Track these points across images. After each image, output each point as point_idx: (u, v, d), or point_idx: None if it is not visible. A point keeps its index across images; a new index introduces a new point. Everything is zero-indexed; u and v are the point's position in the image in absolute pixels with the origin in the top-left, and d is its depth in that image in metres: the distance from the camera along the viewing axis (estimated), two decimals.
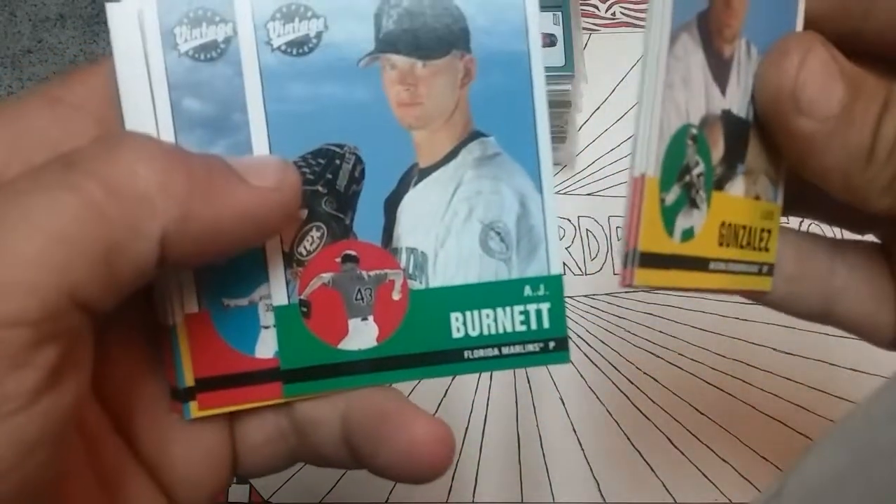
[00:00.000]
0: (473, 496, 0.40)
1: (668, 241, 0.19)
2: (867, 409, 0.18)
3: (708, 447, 0.41)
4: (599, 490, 0.40)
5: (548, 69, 0.44)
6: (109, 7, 0.20)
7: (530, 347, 0.22)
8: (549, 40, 0.45)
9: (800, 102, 0.20)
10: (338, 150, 0.21)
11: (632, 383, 0.42)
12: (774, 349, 0.43)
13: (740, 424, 0.41)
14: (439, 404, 0.40)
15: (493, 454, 0.41)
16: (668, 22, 0.18)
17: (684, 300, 0.45)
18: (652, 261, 0.19)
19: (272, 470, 0.23)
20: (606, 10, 0.53)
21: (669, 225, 0.19)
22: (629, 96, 0.50)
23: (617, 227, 0.47)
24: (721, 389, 0.42)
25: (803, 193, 0.23)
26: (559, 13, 0.46)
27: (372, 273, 0.21)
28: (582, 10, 0.53)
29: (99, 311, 0.17)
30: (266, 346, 0.21)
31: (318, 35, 0.20)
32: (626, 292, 0.45)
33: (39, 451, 0.15)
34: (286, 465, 0.23)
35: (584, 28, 0.52)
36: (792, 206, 0.23)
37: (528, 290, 0.21)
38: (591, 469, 0.40)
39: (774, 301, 0.24)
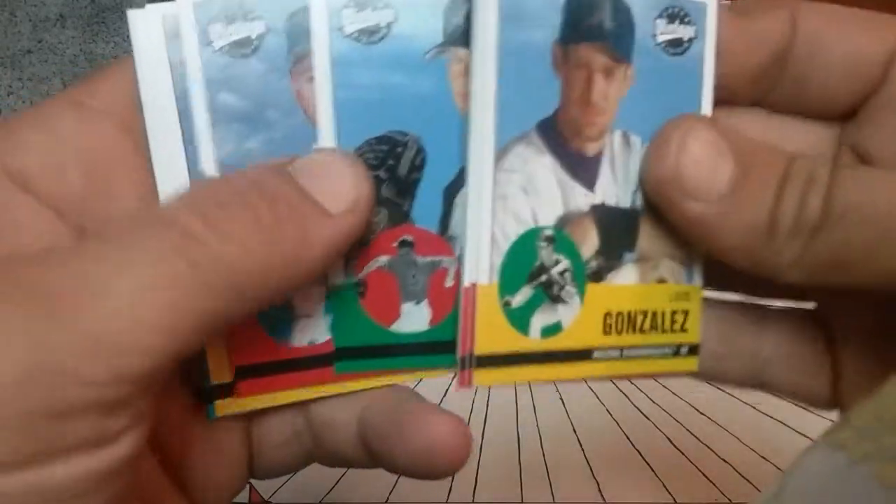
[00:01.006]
0: (473, 496, 0.40)
1: (521, 340, 0.20)
2: (867, 409, 0.18)
3: (708, 447, 0.41)
4: (599, 490, 0.40)
5: None
6: (131, 13, 0.20)
7: None
8: None
9: (684, 187, 0.19)
10: (401, 137, 0.21)
11: (632, 383, 0.42)
12: None
13: (740, 425, 0.41)
14: (439, 404, 0.40)
15: (493, 454, 0.41)
16: (491, 138, 0.19)
17: None
18: (496, 361, 0.20)
19: (287, 471, 0.23)
20: None
21: (522, 325, 0.20)
22: None
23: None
24: (721, 389, 0.42)
25: (724, 271, 0.22)
26: None
27: (427, 259, 0.21)
28: None
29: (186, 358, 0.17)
30: (302, 335, 0.21)
31: (389, 25, 0.20)
32: None
33: (120, 476, 0.16)
34: (301, 465, 0.23)
35: None
36: (716, 283, 0.23)
37: None
38: (591, 469, 0.40)
39: (701, 376, 0.23)
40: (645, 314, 0.22)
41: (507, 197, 0.20)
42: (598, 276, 0.21)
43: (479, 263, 0.20)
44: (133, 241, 0.16)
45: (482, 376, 0.20)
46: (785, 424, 0.41)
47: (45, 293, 0.15)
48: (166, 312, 0.16)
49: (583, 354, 0.21)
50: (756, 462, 0.41)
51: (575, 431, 0.41)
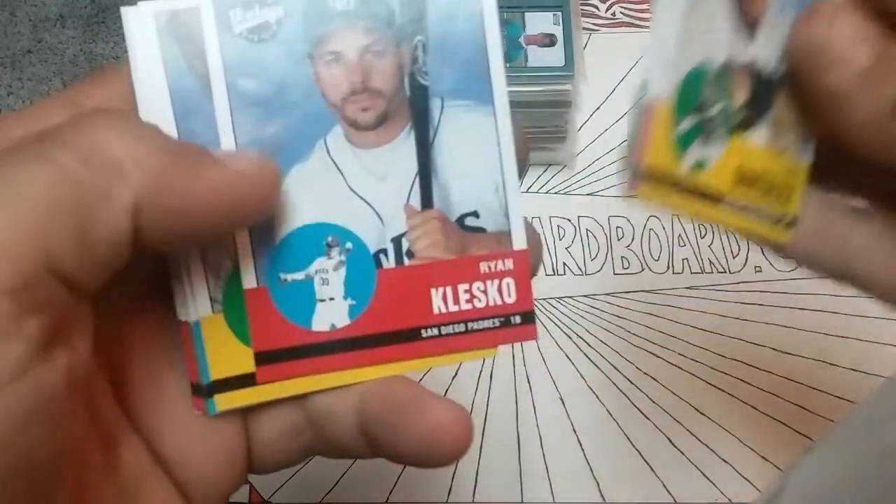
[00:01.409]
0: (473, 496, 0.40)
1: (677, 166, 0.20)
2: (867, 409, 0.18)
3: (708, 447, 0.41)
4: (599, 490, 0.40)
5: (548, 69, 0.44)
6: (124, 10, 0.20)
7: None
8: (549, 40, 0.45)
9: (829, 56, 0.20)
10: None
11: (632, 383, 0.42)
12: (774, 349, 0.43)
13: (740, 424, 0.41)
14: None
15: (493, 454, 0.41)
16: None
17: (684, 300, 0.45)
18: (657, 178, 0.20)
19: (286, 465, 0.23)
20: (606, 10, 0.54)
21: (681, 151, 0.20)
22: (629, 96, 0.50)
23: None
24: (721, 389, 0.42)
25: (832, 164, 0.23)
26: (559, 13, 0.46)
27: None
28: (582, 10, 0.53)
29: (81, 285, 0.17)
30: (322, 320, 0.21)
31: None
32: (626, 292, 0.45)
33: (32, 426, 0.15)
34: (300, 459, 0.23)
35: (584, 28, 0.52)
36: (820, 177, 0.24)
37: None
38: (591, 469, 0.40)
39: (792, 253, 0.24)
40: (765, 177, 0.23)
41: (691, 26, 0.20)
42: (741, 127, 0.22)
43: (662, 78, 0.20)
44: (15, 150, 0.16)
45: (646, 190, 0.20)
46: (785, 424, 0.41)
47: None
48: (22, 209, 0.15)
49: (714, 198, 0.22)
50: (756, 461, 0.41)
51: (575, 431, 0.41)
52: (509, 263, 0.22)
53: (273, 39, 0.20)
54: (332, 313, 0.21)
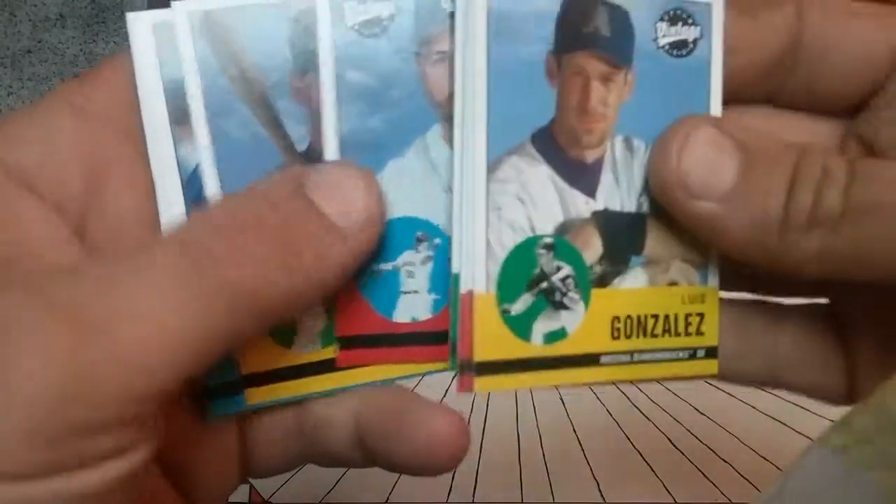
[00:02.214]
0: (473, 496, 0.40)
1: (522, 347, 0.20)
2: (867, 409, 0.18)
3: (708, 447, 0.41)
4: (599, 490, 0.40)
5: None
6: (129, 17, 0.20)
7: None
8: None
9: (688, 187, 0.19)
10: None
11: (632, 383, 0.42)
12: None
13: (740, 424, 0.41)
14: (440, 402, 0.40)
15: (493, 454, 0.41)
16: (483, 152, 0.20)
17: None
18: (498, 368, 0.20)
19: (281, 470, 0.23)
20: None
21: (523, 332, 0.20)
22: None
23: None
24: (721, 389, 0.42)
25: (738, 271, 0.22)
26: None
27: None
28: None
29: None
30: (404, 312, 0.22)
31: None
32: None
33: (120, 491, 0.17)
34: (295, 465, 0.23)
35: None
36: (731, 284, 0.23)
37: None
38: (591, 469, 0.40)
39: (719, 376, 0.23)
40: (656, 318, 0.22)
41: (501, 207, 0.20)
42: (602, 281, 0.21)
43: (476, 273, 0.20)
44: (158, 261, 0.17)
45: (484, 383, 0.20)
46: (785, 424, 0.41)
47: (80, 312, 0.15)
48: (188, 334, 0.16)
49: (590, 359, 0.21)
50: (756, 462, 0.41)
51: (575, 431, 0.41)
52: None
53: (383, 35, 0.21)
54: (415, 306, 0.22)
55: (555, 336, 0.21)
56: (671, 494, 0.40)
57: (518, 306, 0.20)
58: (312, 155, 0.21)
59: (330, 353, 0.22)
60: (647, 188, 0.21)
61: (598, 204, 0.21)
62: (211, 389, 0.21)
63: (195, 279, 0.16)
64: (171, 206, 0.20)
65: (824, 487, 0.17)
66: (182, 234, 0.17)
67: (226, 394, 0.21)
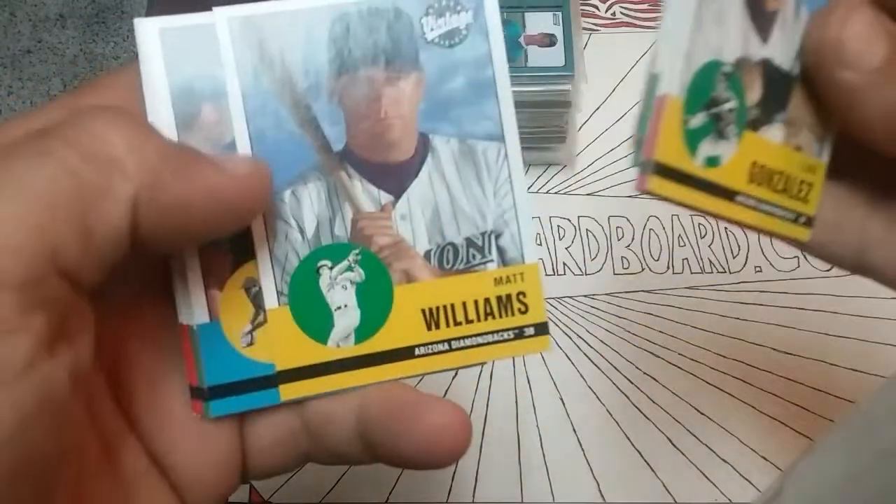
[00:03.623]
0: (473, 496, 0.40)
1: (689, 161, 0.21)
2: (867, 409, 0.18)
3: (708, 447, 0.41)
4: (599, 490, 0.40)
5: (548, 69, 0.44)
6: (137, 21, 0.20)
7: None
8: (549, 40, 0.45)
9: (843, 55, 0.21)
10: None
11: (632, 383, 0.42)
12: (774, 349, 0.43)
13: (740, 424, 0.41)
14: None
15: (493, 454, 0.41)
16: None
17: (684, 300, 0.45)
18: (668, 173, 0.20)
19: (281, 471, 0.23)
20: (606, 10, 0.53)
21: (692, 147, 0.21)
22: (629, 96, 0.50)
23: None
24: (721, 389, 0.42)
25: (845, 158, 0.24)
26: (559, 13, 0.46)
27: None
28: (582, 10, 0.53)
29: (82, 281, 0.17)
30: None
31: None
32: (626, 292, 0.45)
33: (37, 422, 0.15)
34: (296, 465, 0.23)
35: (584, 28, 0.52)
36: (833, 170, 0.24)
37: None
38: (591, 469, 0.40)
39: (810, 246, 0.25)
40: (781, 174, 0.23)
41: (703, 21, 0.20)
42: (754, 124, 0.22)
43: (673, 75, 0.20)
44: (16, 145, 0.17)
45: (656, 183, 0.20)
46: (785, 424, 0.41)
47: None
48: (26, 205, 0.16)
49: (729, 194, 0.22)
50: (757, 461, 0.41)
51: (575, 431, 0.41)
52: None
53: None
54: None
55: (712, 161, 0.21)
56: (671, 494, 0.40)
57: (696, 121, 0.21)
58: (349, 155, 0.22)
59: (364, 349, 0.22)
60: (800, 52, 0.22)
61: (767, 51, 0.22)
62: (240, 384, 0.21)
63: (39, 156, 0.16)
64: None
65: (825, 487, 0.17)
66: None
67: (259, 388, 0.22)
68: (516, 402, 0.42)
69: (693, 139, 0.21)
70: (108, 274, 0.18)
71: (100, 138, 0.17)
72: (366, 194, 0.22)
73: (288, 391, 0.22)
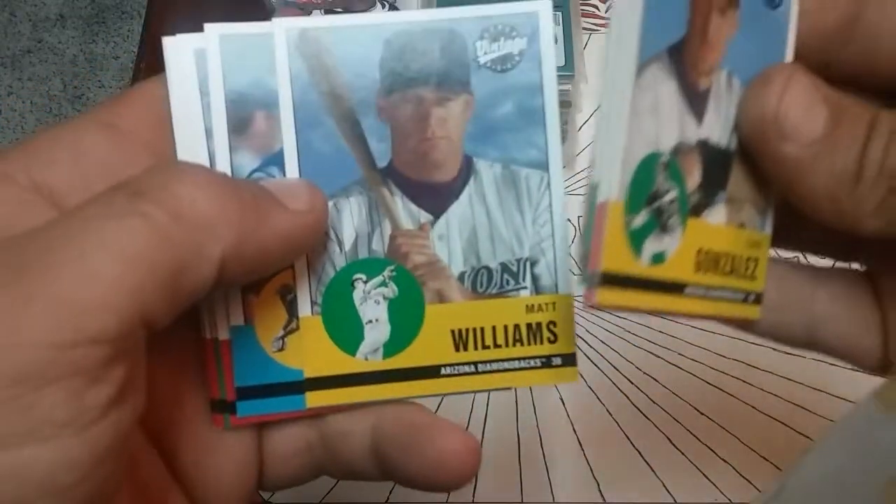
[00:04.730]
0: (473, 496, 0.40)
1: (634, 264, 0.20)
2: (867, 409, 0.18)
3: (708, 447, 0.41)
4: (599, 490, 0.40)
5: None
6: (166, 41, 0.21)
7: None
8: None
9: (783, 128, 0.20)
10: None
11: (632, 383, 0.43)
12: (774, 349, 0.43)
13: (740, 424, 0.41)
14: (439, 404, 0.40)
15: (493, 454, 0.41)
16: (635, 52, 0.19)
17: None
18: (617, 281, 0.20)
19: (296, 482, 0.24)
20: (606, 10, 0.53)
21: (637, 248, 0.20)
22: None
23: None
24: (721, 389, 0.42)
25: (788, 224, 0.23)
26: (559, 13, 0.46)
27: None
28: (582, 10, 0.53)
29: (158, 329, 0.18)
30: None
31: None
32: None
33: (107, 463, 0.16)
34: (310, 477, 0.24)
35: (584, 28, 0.52)
36: (777, 238, 0.24)
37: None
38: (591, 469, 0.41)
39: (759, 329, 0.24)
40: (727, 256, 0.22)
41: (639, 114, 0.20)
42: (696, 210, 0.21)
43: (612, 181, 0.19)
44: (92, 206, 0.17)
45: (605, 295, 0.19)
46: (785, 424, 0.41)
47: (14, 265, 0.16)
48: (126, 267, 0.16)
49: (677, 288, 0.21)
50: (756, 462, 0.41)
51: (575, 432, 0.41)
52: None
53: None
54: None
55: (657, 258, 0.21)
56: (671, 494, 0.40)
57: (639, 220, 0.20)
58: (392, 172, 0.22)
59: (391, 364, 0.22)
60: (736, 126, 0.22)
61: (703, 132, 0.21)
62: (268, 387, 0.22)
63: (128, 212, 0.17)
64: None
65: (825, 486, 0.17)
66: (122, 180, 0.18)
67: (286, 393, 0.22)
68: (516, 402, 0.42)
69: (637, 239, 0.20)
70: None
71: (188, 199, 0.18)
72: (406, 212, 0.22)
73: (314, 399, 0.22)
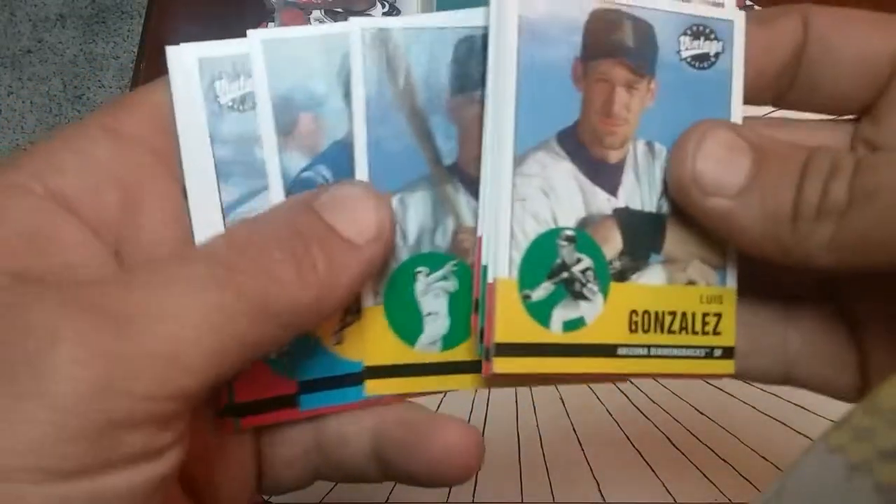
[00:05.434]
0: (473, 496, 0.40)
1: (541, 332, 0.21)
2: (867, 409, 0.18)
3: (708, 447, 0.41)
4: (599, 490, 0.40)
5: None
6: (169, 50, 0.21)
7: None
8: None
9: (703, 185, 0.21)
10: None
11: (632, 383, 0.43)
12: None
13: (740, 424, 0.41)
14: (439, 404, 0.40)
15: (493, 454, 0.41)
16: (510, 146, 0.21)
17: None
18: (515, 350, 0.21)
19: (295, 487, 0.24)
20: None
21: (542, 318, 0.21)
22: None
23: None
24: (721, 389, 0.42)
25: (751, 281, 0.23)
26: None
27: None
28: None
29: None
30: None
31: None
32: None
33: (159, 494, 0.17)
34: (309, 482, 0.24)
35: None
36: (747, 287, 0.24)
37: None
38: (591, 469, 0.41)
39: (736, 374, 0.24)
40: (673, 315, 0.23)
41: (526, 198, 0.21)
42: (622, 275, 0.22)
43: (499, 259, 0.21)
44: (185, 272, 0.18)
45: (502, 364, 0.21)
46: (785, 424, 0.41)
47: (114, 314, 0.16)
48: (214, 337, 0.17)
49: (608, 350, 0.22)
50: (756, 462, 0.41)
51: (575, 431, 0.41)
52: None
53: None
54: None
55: (573, 325, 0.22)
56: (671, 494, 0.40)
57: (539, 293, 0.21)
58: (457, 170, 0.23)
59: (449, 356, 0.23)
60: (667, 189, 0.22)
61: (620, 201, 0.22)
62: (328, 380, 0.22)
63: (219, 287, 0.17)
64: (206, 227, 0.21)
65: (824, 487, 0.17)
66: (208, 249, 0.19)
67: (346, 385, 0.23)
68: (516, 402, 0.42)
69: (540, 311, 0.21)
70: None
71: (274, 290, 0.18)
72: (468, 208, 0.23)
73: (374, 387, 0.23)
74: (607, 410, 0.42)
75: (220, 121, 0.21)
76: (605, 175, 0.22)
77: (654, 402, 0.42)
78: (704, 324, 0.23)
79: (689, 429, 0.41)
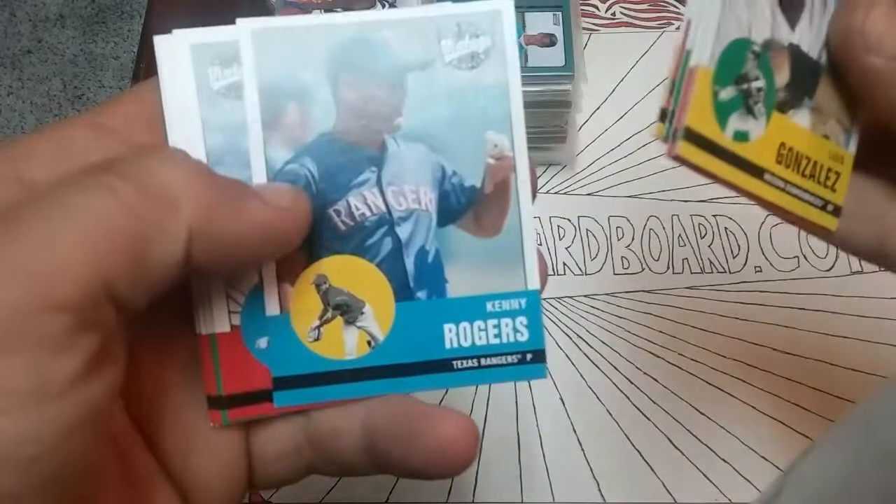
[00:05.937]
0: (473, 496, 0.40)
1: (718, 132, 0.21)
2: (867, 409, 0.19)
3: (708, 447, 0.41)
4: (599, 490, 0.40)
5: (548, 69, 0.44)
6: (157, 39, 0.21)
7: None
8: (549, 40, 0.45)
9: (868, 40, 0.22)
10: None
11: (632, 383, 0.43)
12: (774, 349, 0.43)
13: (740, 424, 0.41)
14: (439, 404, 0.40)
15: (493, 454, 0.41)
16: None
17: (684, 300, 0.45)
18: (698, 140, 0.21)
19: (286, 482, 0.24)
20: (606, 10, 0.54)
21: (722, 119, 0.22)
22: (629, 96, 0.50)
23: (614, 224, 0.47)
24: (721, 389, 0.42)
25: (867, 151, 0.25)
26: (559, 13, 0.46)
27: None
28: (582, 10, 0.53)
29: (129, 308, 0.18)
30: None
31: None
32: (626, 292, 0.45)
33: (75, 437, 0.16)
34: (300, 477, 0.24)
35: (584, 28, 0.52)
36: (863, 163, 0.25)
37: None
38: (591, 469, 0.41)
39: (833, 236, 0.25)
40: (809, 160, 0.24)
41: (734, 1, 0.21)
42: (782, 107, 0.23)
43: (704, 47, 0.21)
44: (62, 182, 0.17)
45: (685, 148, 0.21)
46: (785, 424, 0.41)
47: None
48: (87, 235, 0.17)
49: (758, 171, 0.23)
50: (756, 462, 0.41)
51: (575, 431, 0.41)
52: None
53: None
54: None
55: (740, 136, 0.22)
56: (671, 494, 0.40)
57: (725, 93, 0.22)
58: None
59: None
60: (827, 42, 0.24)
61: (795, 37, 0.23)
62: (304, 378, 0.22)
63: (91, 183, 0.17)
64: None
65: (825, 487, 0.17)
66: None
67: (323, 384, 0.22)
68: (516, 402, 0.42)
69: (723, 111, 0.21)
70: (154, 299, 0.19)
71: (157, 176, 0.18)
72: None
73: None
74: (607, 410, 0.42)
75: (212, 108, 0.21)
76: (791, 9, 0.23)
77: (654, 402, 0.42)
78: (827, 178, 0.24)
79: (689, 429, 0.41)
